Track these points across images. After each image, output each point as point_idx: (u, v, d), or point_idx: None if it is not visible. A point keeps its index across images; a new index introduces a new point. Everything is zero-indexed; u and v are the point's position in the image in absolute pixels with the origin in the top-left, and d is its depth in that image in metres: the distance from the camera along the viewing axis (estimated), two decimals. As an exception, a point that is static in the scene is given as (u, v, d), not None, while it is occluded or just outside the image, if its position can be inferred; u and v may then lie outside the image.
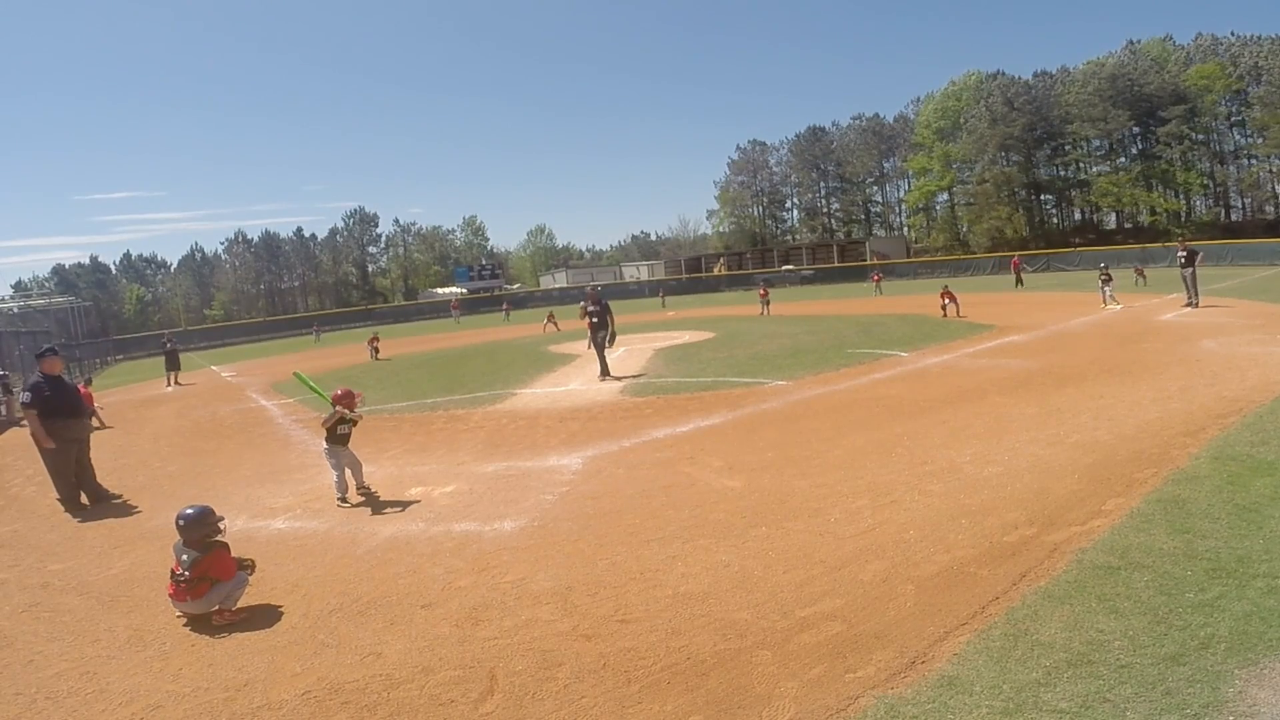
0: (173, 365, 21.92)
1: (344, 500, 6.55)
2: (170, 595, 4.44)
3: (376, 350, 23.12)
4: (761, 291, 29.30)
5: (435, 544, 5.33)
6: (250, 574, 4.70)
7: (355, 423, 6.86)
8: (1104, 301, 19.72)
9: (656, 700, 3.15)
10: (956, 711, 2.86)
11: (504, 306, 49.18)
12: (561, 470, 7.12)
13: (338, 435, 6.70)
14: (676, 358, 15.97)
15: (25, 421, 7.73)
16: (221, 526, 4.71)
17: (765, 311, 27.16)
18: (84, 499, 7.63)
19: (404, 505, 6.41)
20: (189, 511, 4.60)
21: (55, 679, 3.80)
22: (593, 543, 5.10)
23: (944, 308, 20.12)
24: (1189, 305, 17.29)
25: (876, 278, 39.04)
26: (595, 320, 13.12)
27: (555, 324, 28.97)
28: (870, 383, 10.74)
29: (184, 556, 4.45)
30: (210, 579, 4.35)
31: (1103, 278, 20.28)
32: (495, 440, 8.83)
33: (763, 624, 3.73)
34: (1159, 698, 2.82)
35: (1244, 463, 5.46)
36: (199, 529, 4.55)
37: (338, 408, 6.67)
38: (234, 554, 4.64)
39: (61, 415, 7.63)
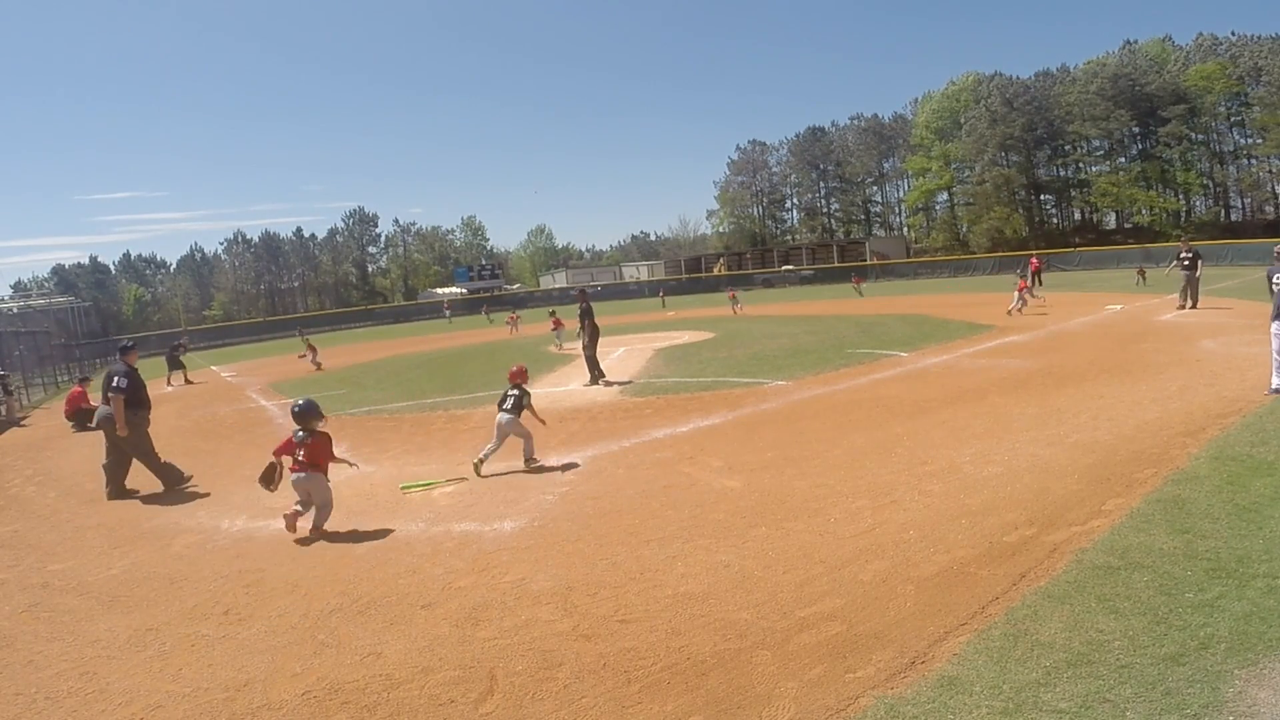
0: (175, 366, 21.96)
1: (479, 466, 7.11)
2: (291, 470, 5.80)
3: (314, 357, 21.97)
4: (730, 294, 32.94)
5: (435, 544, 5.33)
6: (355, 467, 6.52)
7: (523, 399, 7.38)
8: (1013, 305, 18.69)
9: (656, 700, 3.15)
10: (956, 711, 2.86)
11: (484, 309, 48.65)
12: (561, 470, 7.12)
13: (515, 408, 7.29)
14: (676, 358, 15.97)
15: (102, 409, 8.05)
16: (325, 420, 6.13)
17: (736, 310, 29.87)
18: (112, 489, 7.89)
19: (404, 505, 6.41)
20: (298, 404, 6.07)
21: (55, 679, 3.80)
22: (593, 543, 5.10)
23: (1023, 295, 18.76)
24: (1182, 308, 16.60)
25: (857, 280, 40.37)
26: (581, 322, 12.94)
27: (558, 323, 28.89)
28: (870, 383, 10.75)
29: (299, 435, 5.89)
30: (314, 459, 5.76)
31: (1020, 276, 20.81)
32: (495, 440, 8.82)
33: (763, 624, 3.73)
34: (1159, 698, 2.82)
35: (1244, 463, 5.46)
36: (306, 417, 5.95)
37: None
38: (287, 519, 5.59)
39: (142, 407, 8.17)
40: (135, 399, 7.99)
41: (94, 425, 8.17)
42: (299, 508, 5.75)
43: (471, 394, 12.93)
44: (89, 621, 4.53)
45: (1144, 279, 26.90)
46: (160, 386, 21.28)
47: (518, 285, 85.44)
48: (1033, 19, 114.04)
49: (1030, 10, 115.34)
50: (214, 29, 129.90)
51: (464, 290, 70.64)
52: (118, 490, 7.91)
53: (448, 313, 51.49)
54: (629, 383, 12.64)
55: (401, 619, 4.15)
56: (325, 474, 5.80)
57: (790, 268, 62.35)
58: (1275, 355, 7.68)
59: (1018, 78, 66.97)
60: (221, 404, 15.54)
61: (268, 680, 3.59)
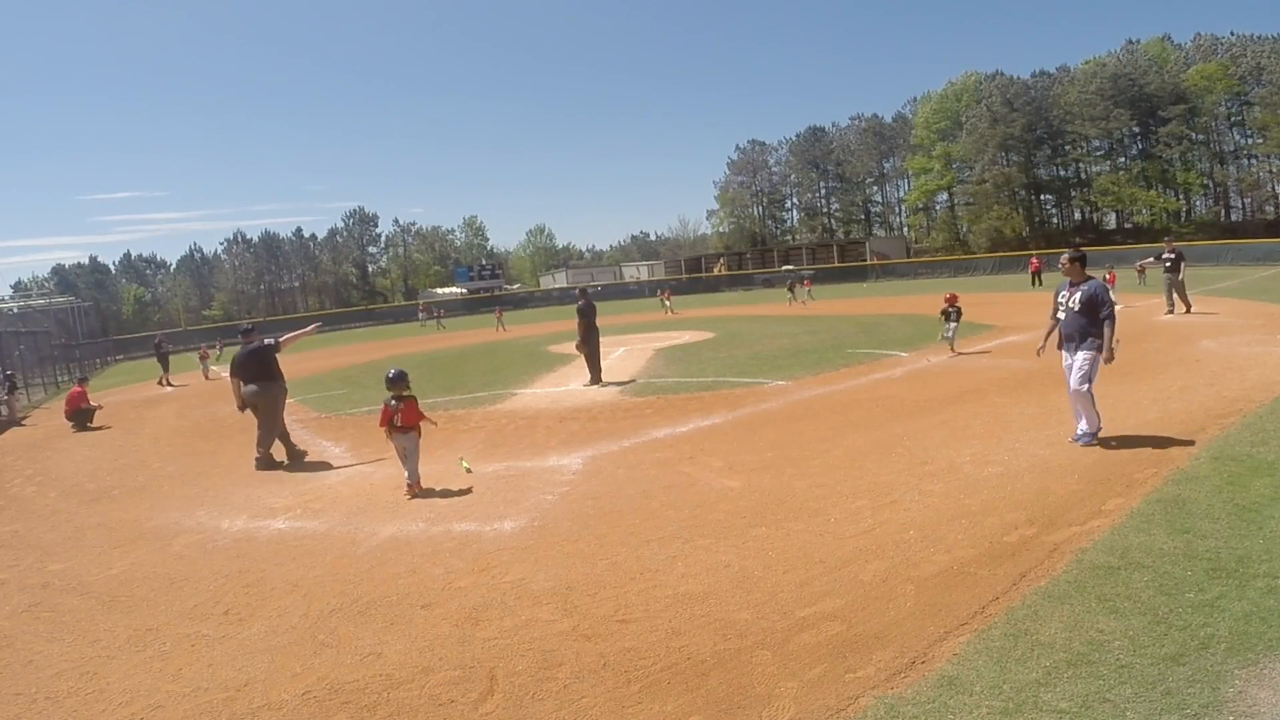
0: (166, 365, 22.02)
1: (952, 344, 12.50)
2: (392, 430, 6.62)
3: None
4: (665, 295, 36.89)
5: (435, 544, 5.33)
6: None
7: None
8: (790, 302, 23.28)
9: (656, 700, 3.15)
10: (956, 711, 2.86)
11: (433, 313, 45.92)
12: (561, 470, 7.12)
13: (957, 318, 12.77)
14: (676, 358, 15.97)
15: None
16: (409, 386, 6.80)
17: (669, 312, 33.18)
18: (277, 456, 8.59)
19: (404, 505, 6.41)
20: (390, 372, 6.79)
21: (55, 679, 3.80)
22: (593, 543, 5.10)
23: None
24: (1170, 313, 15.71)
25: (807, 284, 41.17)
26: (579, 321, 12.87)
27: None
28: (870, 383, 10.74)
29: (393, 403, 6.62)
30: (408, 422, 6.62)
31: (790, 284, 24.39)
32: (495, 440, 8.83)
33: (763, 624, 3.73)
34: (1159, 698, 2.82)
35: (1244, 463, 5.46)
36: (397, 384, 6.68)
37: None
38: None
39: (282, 380, 8.88)
40: (277, 371, 8.72)
41: (240, 407, 8.79)
42: (407, 475, 6.71)
43: (471, 394, 12.92)
44: (89, 621, 4.53)
45: (1144, 277, 26.87)
46: (153, 388, 21.29)
47: (518, 285, 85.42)
48: (1033, 19, 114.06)
49: (1030, 10, 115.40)
50: (214, 29, 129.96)
51: (464, 290, 70.49)
52: (266, 461, 8.47)
53: (422, 316, 48.00)
54: (629, 383, 12.64)
55: (401, 619, 4.15)
56: (418, 432, 6.75)
57: (790, 268, 62.33)
58: (1087, 403, 6.36)
59: (1018, 78, 67.07)
60: (222, 404, 15.53)
61: (268, 680, 3.59)
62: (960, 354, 12.52)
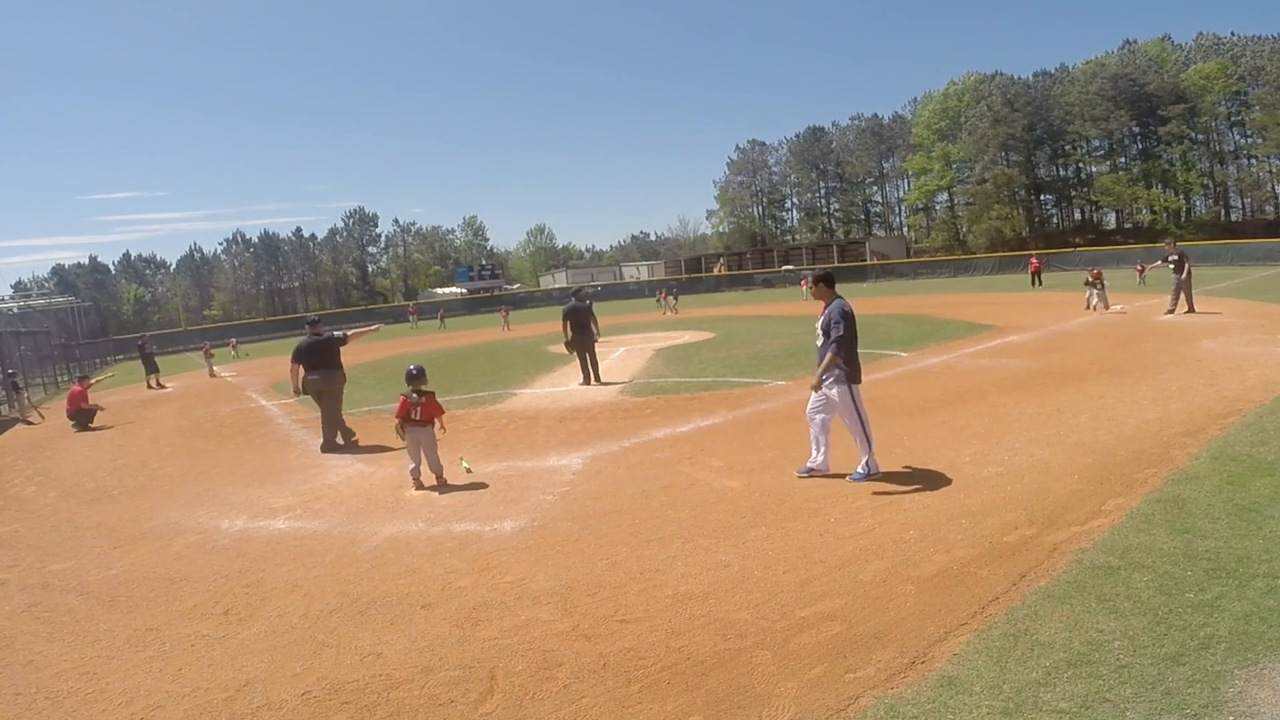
0: (151, 367, 21.95)
1: (1141, 276, 17.25)
2: (408, 426, 6.79)
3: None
4: (662, 295, 36.23)
5: (435, 544, 5.33)
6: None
7: None
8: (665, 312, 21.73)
9: (656, 700, 3.15)
10: (956, 711, 2.86)
11: (425, 313, 47.38)
12: (561, 470, 7.12)
13: (1101, 285, 15.22)
14: (676, 358, 15.97)
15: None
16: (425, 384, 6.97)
17: (669, 312, 32.42)
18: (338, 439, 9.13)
19: (404, 505, 6.41)
20: (412, 368, 7.02)
21: (55, 679, 3.80)
22: (593, 543, 5.10)
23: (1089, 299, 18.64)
24: (1171, 313, 15.68)
25: (805, 283, 41.09)
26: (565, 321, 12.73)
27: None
28: (870, 383, 10.68)
29: (413, 396, 6.82)
30: (427, 416, 6.80)
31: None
32: (495, 440, 8.83)
33: (763, 624, 3.73)
34: (1159, 698, 2.82)
35: (1244, 463, 5.46)
36: (418, 380, 6.89)
37: None
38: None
39: (342, 369, 9.50)
40: (339, 362, 9.27)
41: (302, 390, 9.34)
42: (412, 467, 6.83)
43: (472, 394, 12.92)
44: (89, 621, 4.53)
45: (1144, 278, 26.88)
46: (141, 390, 21.20)
47: (518, 285, 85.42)
48: (1033, 19, 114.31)
49: (1030, 10, 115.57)
50: (214, 29, 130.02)
51: (464, 290, 70.45)
52: (330, 444, 9.04)
53: (413, 318, 48.46)
54: (629, 383, 12.64)
55: (401, 619, 4.15)
56: (436, 426, 6.90)
57: (790, 268, 62.33)
58: (815, 432, 6.07)
59: (1018, 78, 67.11)
60: (221, 404, 15.54)
61: (268, 680, 3.59)
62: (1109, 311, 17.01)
